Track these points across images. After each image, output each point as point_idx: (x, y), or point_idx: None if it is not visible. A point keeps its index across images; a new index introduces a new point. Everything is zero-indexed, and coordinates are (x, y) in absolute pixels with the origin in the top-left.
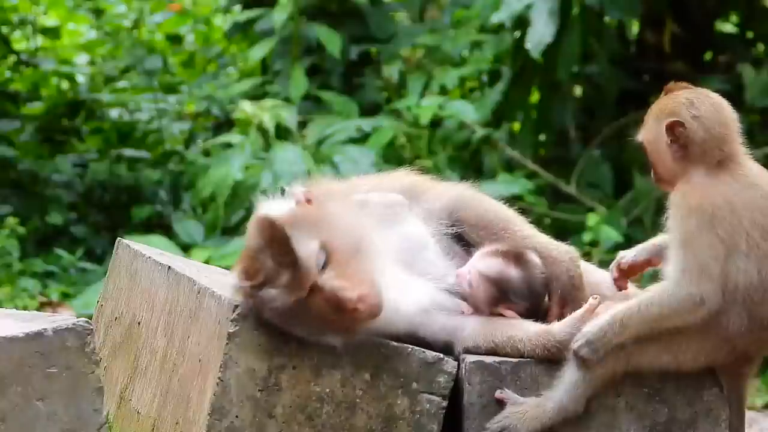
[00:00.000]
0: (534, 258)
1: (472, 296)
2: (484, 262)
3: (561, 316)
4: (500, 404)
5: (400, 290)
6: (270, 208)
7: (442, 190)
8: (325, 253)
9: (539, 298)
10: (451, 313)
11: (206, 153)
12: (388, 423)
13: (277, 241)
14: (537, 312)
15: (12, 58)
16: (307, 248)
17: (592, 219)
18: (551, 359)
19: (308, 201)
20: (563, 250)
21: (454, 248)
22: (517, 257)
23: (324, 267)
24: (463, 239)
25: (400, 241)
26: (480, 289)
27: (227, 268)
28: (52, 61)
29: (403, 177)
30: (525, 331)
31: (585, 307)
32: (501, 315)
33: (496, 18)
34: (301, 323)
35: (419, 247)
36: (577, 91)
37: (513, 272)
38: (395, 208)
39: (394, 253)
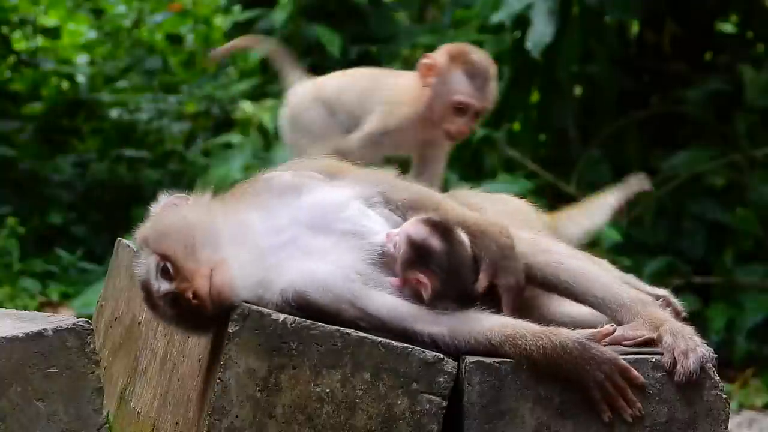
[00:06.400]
0: (463, 237)
1: (394, 258)
2: (413, 227)
3: (491, 287)
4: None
5: (311, 264)
6: (144, 225)
7: (365, 173)
8: (169, 262)
9: (461, 276)
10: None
11: (206, 153)
12: (388, 423)
13: None
14: (466, 293)
15: (12, 58)
16: (149, 264)
17: None
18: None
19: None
20: (492, 222)
21: (385, 212)
22: (445, 230)
23: (171, 275)
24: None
25: (310, 208)
26: (401, 250)
27: None
28: (52, 61)
29: (321, 159)
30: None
31: (600, 329)
32: (415, 281)
33: (496, 18)
34: (190, 324)
35: (336, 208)
36: (577, 91)
37: (436, 242)
38: (304, 179)
39: (301, 224)
